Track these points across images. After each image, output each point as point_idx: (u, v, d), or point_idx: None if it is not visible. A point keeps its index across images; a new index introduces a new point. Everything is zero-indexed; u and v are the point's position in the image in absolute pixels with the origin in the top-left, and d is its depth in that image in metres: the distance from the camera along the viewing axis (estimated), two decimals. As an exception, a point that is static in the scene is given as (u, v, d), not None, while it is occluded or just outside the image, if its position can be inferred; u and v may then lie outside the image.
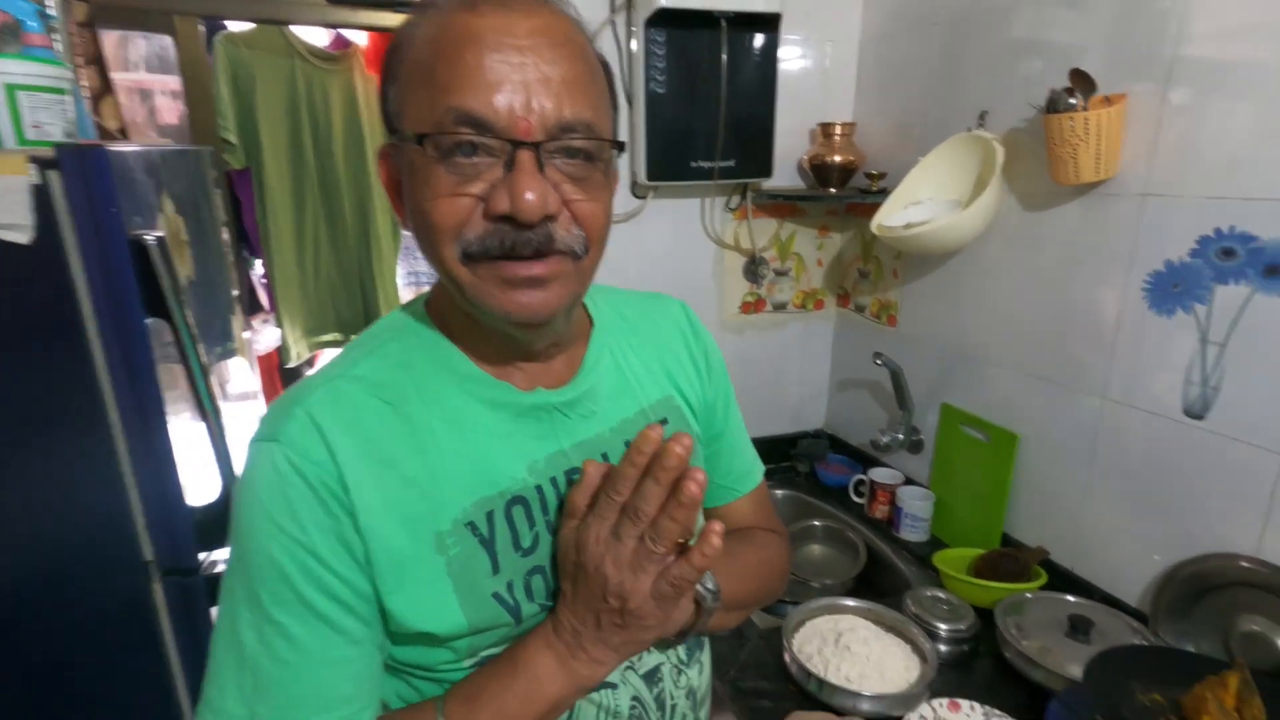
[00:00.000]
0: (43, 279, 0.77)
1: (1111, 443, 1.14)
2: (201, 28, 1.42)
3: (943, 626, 1.11)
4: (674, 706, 0.67)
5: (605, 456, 0.62)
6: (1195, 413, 1.01)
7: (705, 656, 0.73)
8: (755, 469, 0.81)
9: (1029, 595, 1.14)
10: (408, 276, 2.43)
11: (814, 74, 1.64)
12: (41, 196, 0.75)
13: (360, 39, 2.09)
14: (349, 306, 2.21)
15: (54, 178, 0.75)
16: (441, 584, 0.54)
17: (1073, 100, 1.04)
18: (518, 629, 0.57)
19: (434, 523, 0.54)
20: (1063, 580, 1.21)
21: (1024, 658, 1.02)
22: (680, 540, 0.51)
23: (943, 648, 1.10)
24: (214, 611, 0.95)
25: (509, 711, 0.54)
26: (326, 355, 2.24)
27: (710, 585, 0.57)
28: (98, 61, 1.22)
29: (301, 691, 0.52)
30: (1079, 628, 1.03)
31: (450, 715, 0.54)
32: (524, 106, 0.47)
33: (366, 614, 0.53)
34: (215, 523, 0.93)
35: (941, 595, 1.19)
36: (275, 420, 0.53)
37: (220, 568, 0.97)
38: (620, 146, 0.55)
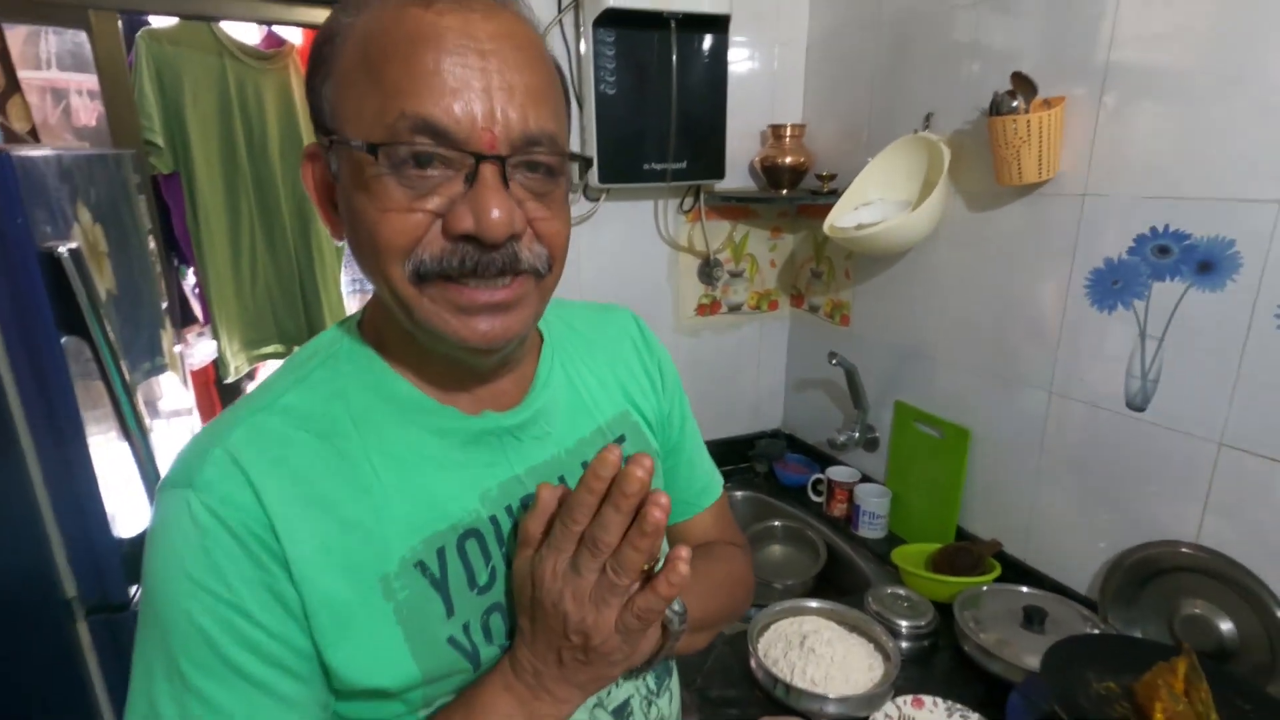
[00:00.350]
0: (-61, 296, 0.70)
1: (1058, 436, 1.17)
2: (120, 23, 1.33)
3: (903, 623, 1.13)
4: None
5: (562, 479, 0.58)
6: (1136, 405, 1.04)
7: (674, 683, 0.71)
8: (714, 482, 0.79)
9: (985, 588, 1.17)
10: (352, 284, 2.34)
11: (763, 75, 1.64)
12: (-65, 206, 0.68)
13: (295, 36, 2.01)
14: (290, 316, 2.11)
15: (-51, 186, 0.69)
16: (390, 632, 0.49)
17: (1015, 103, 1.06)
18: (476, 674, 0.53)
19: (379, 566, 0.49)
20: (1016, 572, 1.23)
21: (982, 650, 1.04)
22: (645, 568, 0.47)
23: (904, 644, 1.11)
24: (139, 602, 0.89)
25: None
26: (268, 368, 2.14)
27: (677, 608, 0.54)
28: (2, 59, 1.13)
29: None
30: (1033, 618, 1.05)
31: None
32: (487, 116, 0.44)
33: (305, 673, 0.48)
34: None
35: (902, 592, 1.20)
36: (190, 463, 0.47)
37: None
38: (587, 162, 0.53)
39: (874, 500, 1.49)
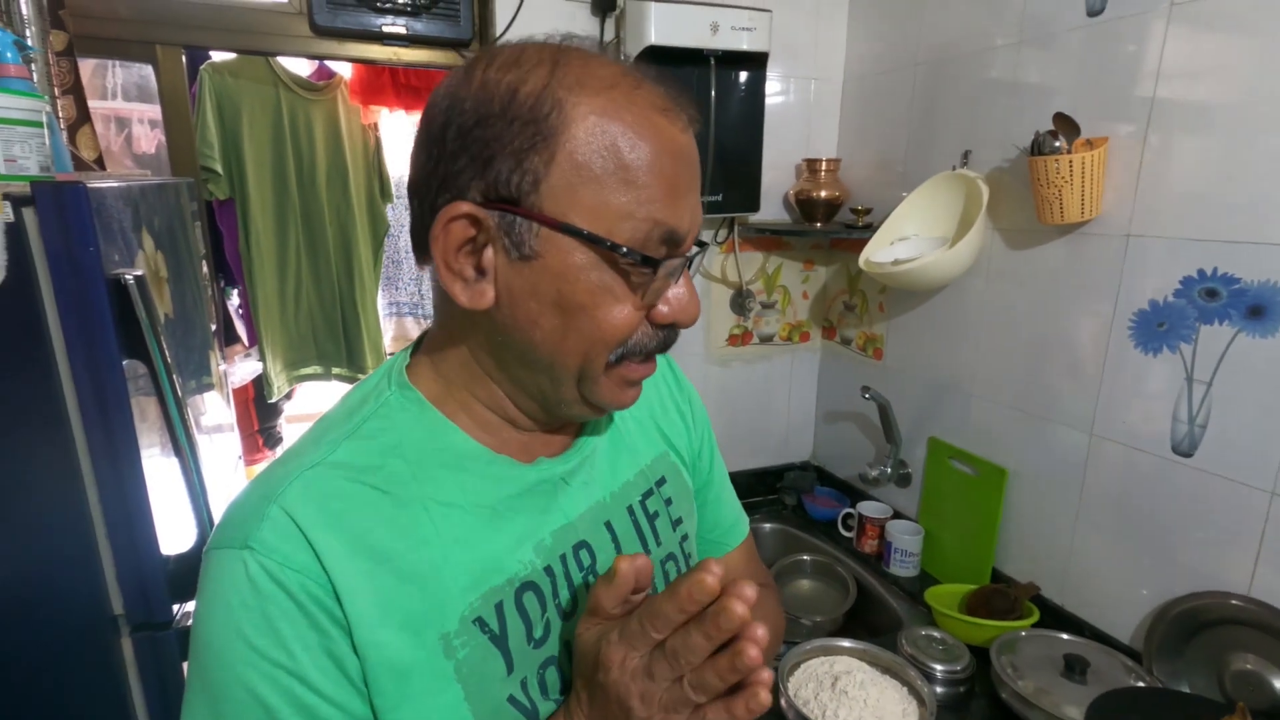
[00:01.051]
0: (13, 320, 0.74)
1: (1099, 478, 1.14)
2: (183, 58, 1.40)
3: (938, 668, 1.10)
4: None
5: (609, 525, 0.58)
6: (1183, 450, 1.02)
7: None
8: (742, 520, 0.78)
9: (1023, 634, 1.14)
10: (388, 307, 2.39)
11: (799, 110, 1.66)
12: (15, 234, 0.72)
13: (343, 69, 2.09)
14: (330, 339, 2.17)
15: (29, 215, 0.72)
16: (451, 692, 0.47)
17: (1057, 143, 1.06)
18: None
19: (439, 623, 0.48)
20: (1054, 616, 1.20)
21: (1021, 699, 1.01)
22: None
23: (939, 689, 1.09)
24: (186, 667, 0.91)
25: None
26: (306, 389, 2.18)
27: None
28: (75, 91, 1.19)
29: None
30: (1074, 667, 1.02)
31: None
32: (692, 223, 0.49)
33: None
34: (190, 572, 0.89)
35: (936, 634, 1.17)
36: (244, 521, 0.45)
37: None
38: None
39: (906, 537, 1.46)
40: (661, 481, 0.64)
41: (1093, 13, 1.09)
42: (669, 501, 0.64)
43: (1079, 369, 1.16)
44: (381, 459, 0.50)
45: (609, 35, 1.45)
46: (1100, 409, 1.13)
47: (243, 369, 2.07)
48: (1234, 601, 0.96)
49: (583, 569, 0.55)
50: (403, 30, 1.41)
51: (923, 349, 1.50)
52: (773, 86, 1.61)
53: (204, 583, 0.46)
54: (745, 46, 1.43)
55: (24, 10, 0.99)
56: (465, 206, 0.46)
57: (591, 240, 0.45)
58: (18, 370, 0.75)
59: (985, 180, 1.26)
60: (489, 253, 0.47)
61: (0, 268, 0.71)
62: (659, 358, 0.69)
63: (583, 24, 1.44)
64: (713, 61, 1.41)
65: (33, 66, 0.98)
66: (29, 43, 0.99)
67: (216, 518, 1.01)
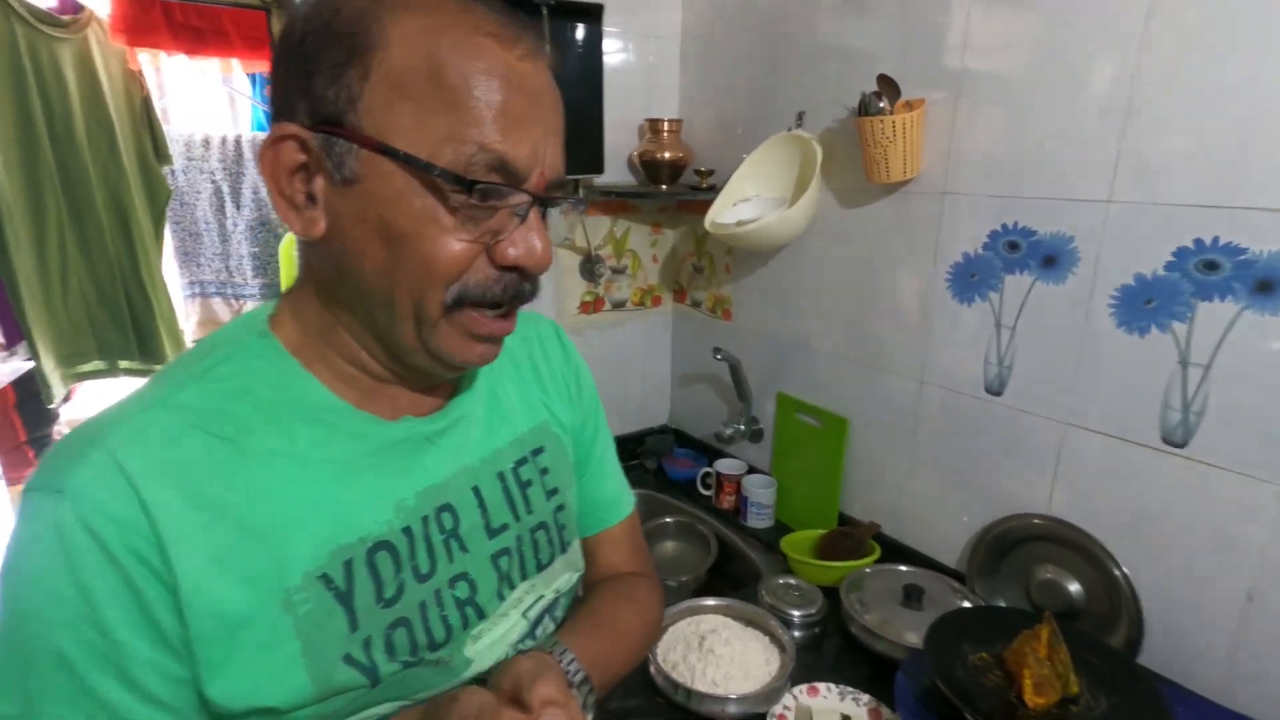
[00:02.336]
0: None
1: (927, 421, 1.24)
2: None
3: (795, 613, 1.15)
4: None
5: (477, 490, 0.58)
6: (994, 390, 1.12)
7: None
8: (625, 497, 0.79)
9: (868, 570, 1.22)
10: (189, 288, 2.08)
11: (640, 70, 1.62)
12: None
13: (99, 3, 1.73)
14: (114, 327, 1.82)
15: None
16: (287, 647, 0.47)
17: (882, 104, 1.10)
18: (373, 692, 0.50)
19: (281, 577, 0.47)
20: (894, 552, 1.30)
21: (867, 631, 1.08)
22: None
23: (797, 634, 1.14)
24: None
25: None
26: (88, 388, 1.84)
27: (588, 703, 0.53)
28: None
29: None
30: (912, 596, 1.11)
31: None
32: (537, 160, 0.47)
33: (174, 702, 0.45)
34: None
35: (792, 582, 1.23)
36: (63, 464, 0.43)
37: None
38: (576, 186, 0.53)
39: (760, 491, 1.52)
40: (539, 451, 0.64)
41: (908, -22, 1.13)
42: (544, 471, 0.64)
43: (907, 321, 1.24)
44: (230, 404, 0.48)
45: (428, -24, 1.31)
46: (928, 357, 1.22)
47: (6, 368, 1.71)
48: (1035, 520, 1.09)
49: (444, 532, 0.55)
50: (170, -46, 1.18)
51: (769, 308, 1.54)
52: (611, 44, 1.55)
53: (16, 525, 0.43)
54: (580, -4, 1.35)
55: None
56: (291, 128, 0.46)
57: (407, 161, 0.44)
58: None
59: (819, 141, 1.29)
60: (320, 179, 0.46)
61: None
62: (549, 328, 0.72)
63: (397, -39, 1.29)
64: (545, 11, 1.32)
65: None
66: None
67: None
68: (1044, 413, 1.06)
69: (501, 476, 0.60)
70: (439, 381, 0.57)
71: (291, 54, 0.46)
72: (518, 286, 0.50)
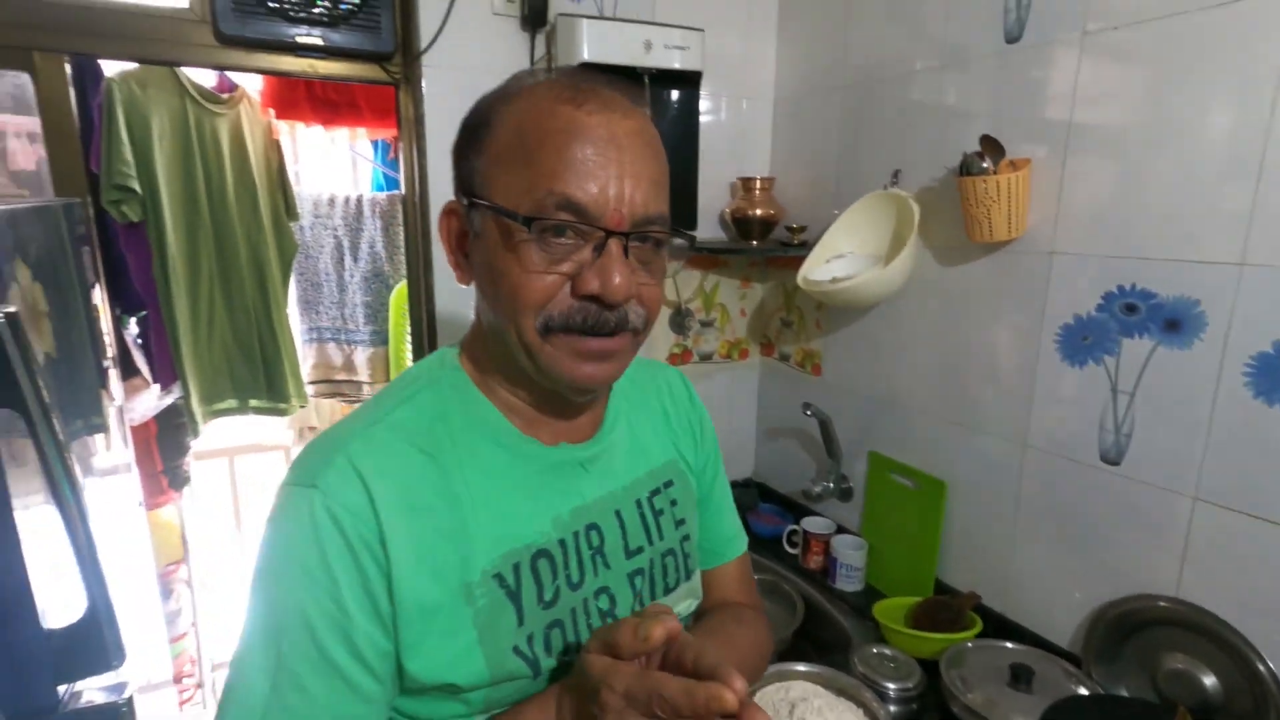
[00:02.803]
0: None
1: (1033, 487, 1.18)
2: (68, 66, 1.27)
3: (891, 686, 1.10)
4: None
5: (618, 513, 0.65)
6: (1111, 458, 1.06)
7: None
8: (740, 537, 0.84)
9: (969, 644, 1.15)
10: (308, 333, 2.25)
11: (733, 129, 1.67)
12: None
13: (245, 80, 1.95)
14: (247, 367, 2.00)
15: None
16: (467, 634, 0.54)
17: (984, 164, 1.09)
18: (535, 683, 0.57)
19: (464, 573, 0.55)
20: (996, 625, 1.22)
21: (971, 713, 1.01)
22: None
23: (893, 708, 1.08)
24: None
25: None
26: (214, 425, 2.01)
27: None
28: (-65, 102, 1.06)
29: None
30: (1020, 677, 1.04)
31: None
32: (617, 199, 0.53)
33: (383, 672, 0.53)
34: (78, 648, 0.78)
35: (887, 652, 1.17)
36: (314, 466, 0.53)
37: (85, 699, 0.81)
38: (690, 240, 0.62)
39: (851, 552, 1.47)
40: (669, 484, 0.71)
41: (1010, 39, 1.13)
42: (674, 503, 0.71)
43: (1009, 382, 1.19)
44: (430, 424, 0.57)
45: (539, 51, 1.42)
46: (1032, 420, 1.16)
47: (143, 404, 1.90)
48: (1162, 603, 1.00)
49: (591, 548, 0.62)
50: (319, 41, 1.33)
51: (860, 364, 1.52)
52: (706, 105, 1.61)
53: (274, 513, 0.54)
54: (678, 65, 1.42)
55: None
56: (453, 202, 0.60)
57: (497, 210, 0.54)
58: None
59: (916, 199, 1.29)
60: (468, 238, 0.58)
61: None
62: (676, 376, 0.80)
63: (511, 39, 1.40)
64: (646, 80, 1.39)
65: (-122, 73, 0.86)
66: (-126, 46, 0.87)
67: (109, 573, 0.90)
68: (1170, 485, 0.99)
69: (639, 504, 0.67)
70: (579, 408, 0.64)
71: (456, 146, 0.59)
72: (598, 315, 0.54)
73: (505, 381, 0.61)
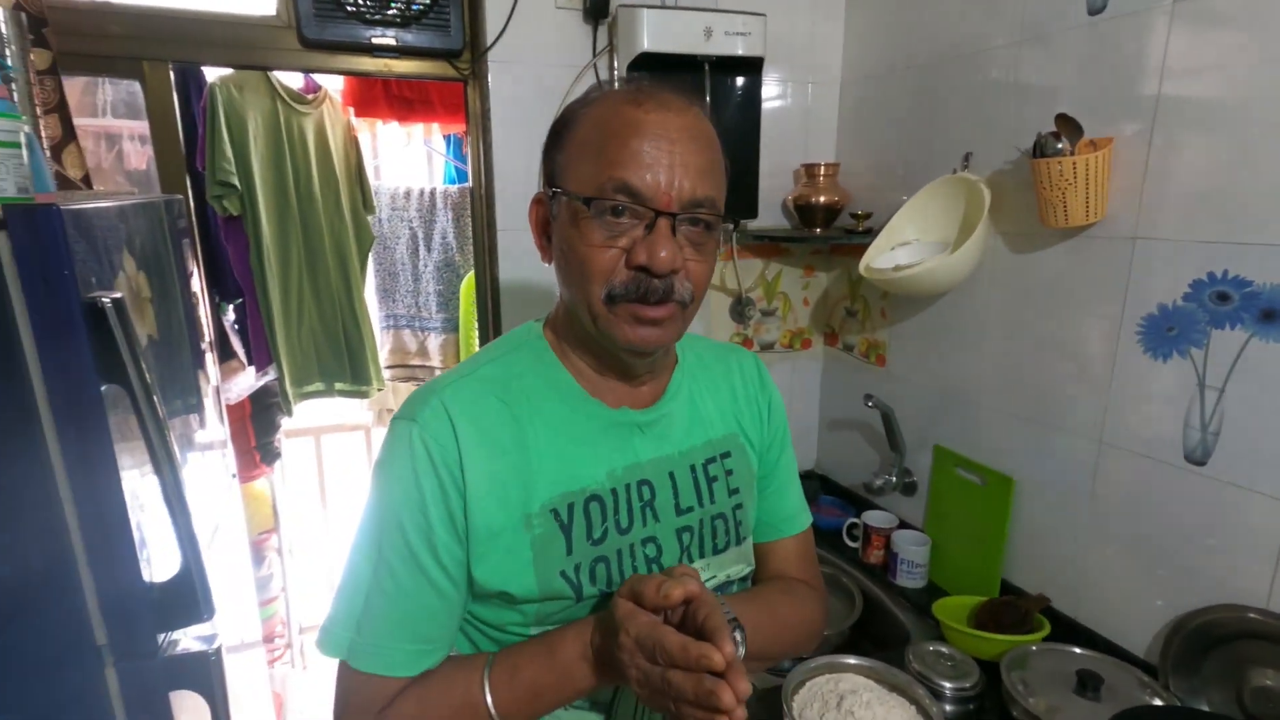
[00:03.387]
0: (-12, 347, 0.72)
1: (1109, 487, 1.11)
2: (172, 73, 1.38)
3: (947, 685, 1.07)
4: None
5: (671, 475, 0.72)
6: (1196, 459, 0.99)
7: None
8: (802, 515, 0.88)
9: (1034, 648, 1.10)
10: (385, 320, 2.37)
11: (797, 114, 1.64)
12: (-12, 258, 0.70)
13: (328, 81, 2.07)
14: (332, 353, 2.13)
15: (1, 239, 0.70)
16: (524, 555, 0.65)
17: (1060, 144, 1.04)
18: (577, 605, 0.67)
19: (525, 505, 0.65)
20: (1065, 629, 1.17)
21: (1032, 717, 0.97)
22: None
23: (948, 707, 1.06)
24: (172, 697, 0.88)
25: (542, 690, 0.64)
26: (303, 406, 2.15)
27: (737, 637, 0.59)
28: (60, 109, 1.18)
29: (394, 621, 0.64)
30: (1088, 684, 0.99)
31: (494, 673, 0.64)
32: (668, 184, 0.60)
33: (456, 576, 0.65)
34: (175, 598, 0.87)
35: (944, 650, 1.14)
36: (416, 405, 0.66)
37: (180, 647, 0.90)
38: (735, 222, 0.64)
39: (913, 548, 1.43)
40: (726, 454, 0.77)
41: (1094, 11, 1.06)
42: (729, 472, 0.77)
43: (1086, 375, 1.13)
44: (511, 380, 0.68)
45: (601, 43, 1.43)
46: (1109, 416, 1.10)
47: (239, 385, 2.06)
48: (1252, 615, 0.93)
49: (642, 501, 0.70)
50: (393, 41, 1.39)
51: (927, 355, 1.47)
52: (769, 90, 1.59)
53: (385, 439, 0.67)
54: (739, 51, 1.41)
55: (2, 30, 0.97)
56: (540, 194, 0.69)
57: (569, 195, 0.63)
58: (-7, 398, 0.73)
59: (987, 183, 1.23)
60: (550, 223, 0.67)
61: (-28, 294, 0.69)
62: (750, 360, 0.86)
63: (574, 32, 1.42)
64: (707, 67, 1.39)
65: (13, 86, 0.96)
66: (8, 62, 0.98)
67: (203, 539, 0.99)
68: (1263, 489, 0.92)
69: (693, 469, 0.74)
70: (639, 375, 0.72)
71: (545, 145, 0.69)
72: (648, 283, 0.62)
73: (577, 349, 0.70)
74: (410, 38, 1.40)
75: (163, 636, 0.87)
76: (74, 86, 1.57)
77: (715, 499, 0.75)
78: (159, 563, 0.88)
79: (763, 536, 0.85)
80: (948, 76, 1.35)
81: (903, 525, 1.52)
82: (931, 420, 1.47)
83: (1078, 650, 1.09)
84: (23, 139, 0.87)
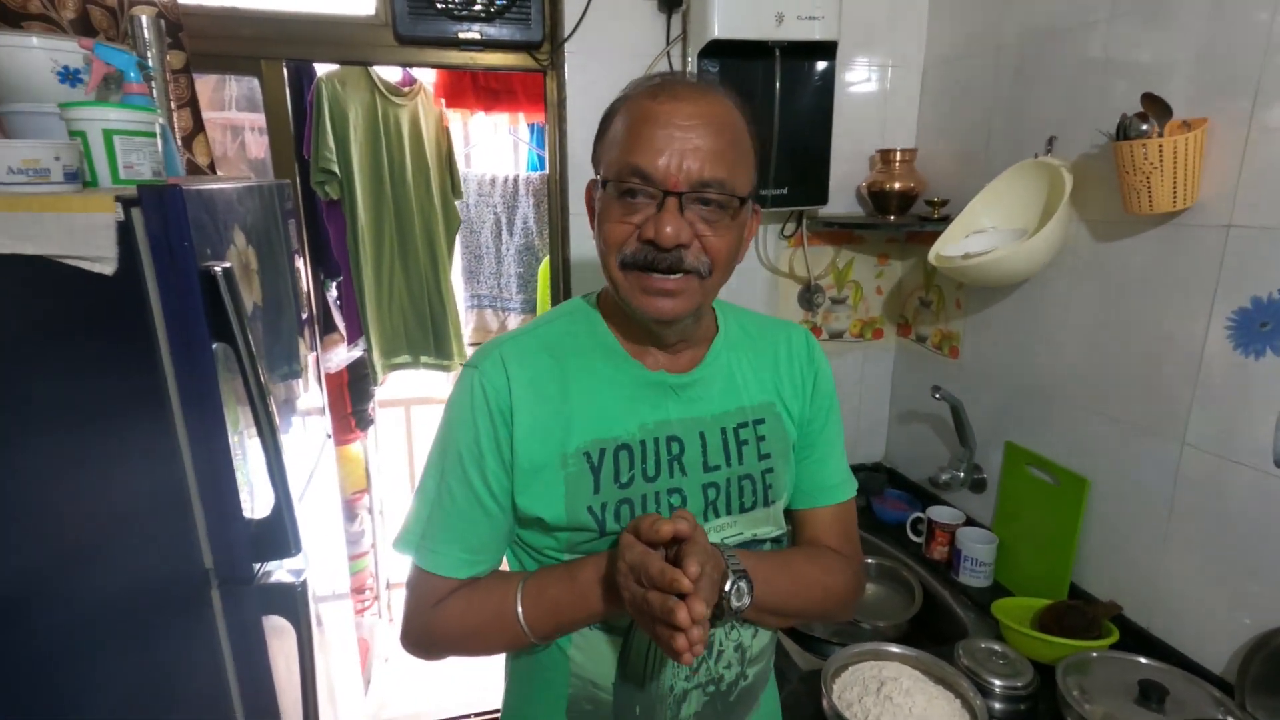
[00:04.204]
0: (123, 306, 0.84)
1: (1192, 492, 1.04)
2: (285, 70, 1.53)
3: (997, 682, 1.04)
4: (720, 652, 0.79)
5: (702, 435, 0.77)
6: (1288, 465, 0.91)
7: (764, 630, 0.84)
8: (843, 487, 0.88)
9: (1095, 654, 1.06)
10: (469, 299, 2.51)
11: (874, 99, 1.61)
12: (124, 231, 0.82)
13: (422, 74, 2.20)
14: (419, 329, 2.30)
15: (136, 215, 0.82)
16: (557, 489, 0.72)
17: (1145, 126, 0.98)
18: (600, 540, 0.73)
19: (563, 446, 0.73)
20: (1136, 640, 1.11)
21: (1088, 724, 0.94)
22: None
23: (996, 705, 1.03)
24: (268, 619, 1.00)
25: (562, 607, 0.72)
26: (394, 376, 2.32)
27: (743, 585, 0.66)
28: (192, 104, 1.33)
29: (452, 530, 0.74)
30: (1150, 694, 0.95)
31: (526, 588, 0.73)
32: (676, 167, 0.66)
33: (503, 500, 0.74)
34: (269, 535, 0.98)
35: (998, 648, 1.11)
36: (480, 354, 0.76)
37: (276, 577, 1.02)
38: (749, 200, 0.71)
39: (978, 546, 1.39)
40: (760, 421, 0.81)
41: (1195, -19, 0.99)
42: (761, 438, 0.81)
43: (1170, 372, 1.06)
44: (562, 339, 0.77)
45: (674, 32, 1.46)
46: (1193, 416, 1.03)
47: (337, 356, 2.24)
48: (1346, 637, 0.86)
49: (670, 455, 0.76)
50: (478, 35, 1.48)
51: (1002, 348, 1.42)
52: (847, 75, 1.56)
53: (455, 383, 0.77)
54: (815, 36, 1.39)
55: (145, 34, 1.12)
56: (591, 180, 0.76)
57: (599, 179, 0.72)
58: (127, 349, 0.85)
59: (1070, 168, 1.18)
60: (598, 204, 0.73)
61: (112, 260, 0.81)
62: (800, 334, 0.89)
63: (649, 21, 1.46)
64: (778, 53, 1.39)
65: (152, 84, 1.11)
66: (149, 63, 1.12)
67: (296, 488, 1.11)
68: (1361, 500, 0.84)
69: (723, 431, 0.79)
70: (672, 342, 0.78)
71: (596, 137, 0.76)
72: (655, 255, 0.67)
73: (619, 316, 0.78)
74: (493, 31, 1.48)
75: (258, 566, 0.99)
76: (205, 84, 1.77)
77: (744, 460, 0.79)
78: (257, 502, 1.00)
79: (800, 504, 0.88)
80: (1037, 55, 1.28)
81: (970, 523, 1.48)
82: (1004, 416, 1.41)
83: (1143, 660, 1.04)
84: (158, 130, 1.00)
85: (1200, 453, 1.03)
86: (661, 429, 0.76)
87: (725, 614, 0.66)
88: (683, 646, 0.58)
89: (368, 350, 2.24)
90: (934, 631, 1.41)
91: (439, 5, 1.44)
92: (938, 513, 1.51)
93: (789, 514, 0.88)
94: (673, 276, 0.68)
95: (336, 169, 1.99)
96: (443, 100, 2.22)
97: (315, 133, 1.96)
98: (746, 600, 0.66)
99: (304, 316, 1.46)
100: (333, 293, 2.20)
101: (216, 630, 0.96)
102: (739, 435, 0.79)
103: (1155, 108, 0.98)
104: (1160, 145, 0.96)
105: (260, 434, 0.97)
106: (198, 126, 1.36)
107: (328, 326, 2.16)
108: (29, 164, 0.82)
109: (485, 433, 0.72)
